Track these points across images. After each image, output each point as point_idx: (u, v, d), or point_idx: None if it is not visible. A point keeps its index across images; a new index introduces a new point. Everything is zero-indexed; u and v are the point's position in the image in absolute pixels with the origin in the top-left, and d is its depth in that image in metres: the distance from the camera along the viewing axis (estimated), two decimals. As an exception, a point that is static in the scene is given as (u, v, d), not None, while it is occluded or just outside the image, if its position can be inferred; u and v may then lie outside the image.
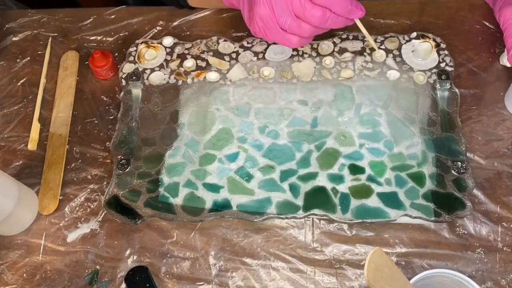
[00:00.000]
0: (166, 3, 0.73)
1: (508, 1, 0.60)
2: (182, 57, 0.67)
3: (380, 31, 0.68)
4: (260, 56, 0.66)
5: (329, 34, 0.67)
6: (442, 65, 0.64)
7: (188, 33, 0.71)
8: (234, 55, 0.67)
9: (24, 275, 0.56)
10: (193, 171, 0.59)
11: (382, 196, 0.56)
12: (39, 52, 0.71)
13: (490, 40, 0.67)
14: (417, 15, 0.69)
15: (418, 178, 0.57)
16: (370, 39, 0.62)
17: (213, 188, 0.58)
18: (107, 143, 0.63)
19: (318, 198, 0.57)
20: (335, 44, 0.66)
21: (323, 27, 0.55)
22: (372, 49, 0.65)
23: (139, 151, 0.61)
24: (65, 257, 0.57)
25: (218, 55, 0.67)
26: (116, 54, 0.70)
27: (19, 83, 0.69)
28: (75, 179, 0.61)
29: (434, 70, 0.63)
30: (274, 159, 0.59)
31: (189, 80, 0.66)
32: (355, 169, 0.58)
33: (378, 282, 0.40)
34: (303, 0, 0.52)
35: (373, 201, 0.56)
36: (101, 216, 0.59)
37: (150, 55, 0.67)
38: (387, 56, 0.65)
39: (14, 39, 0.73)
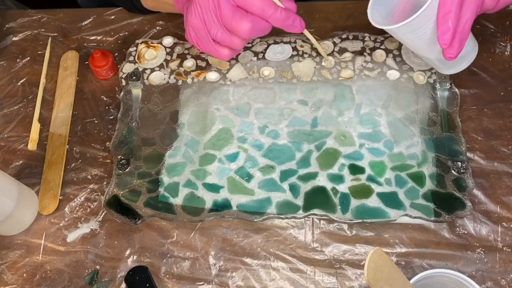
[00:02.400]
0: (118, 4, 0.72)
1: None
2: (182, 57, 0.67)
3: (380, 31, 0.67)
4: (260, 56, 0.66)
5: (329, 34, 0.68)
6: (442, 65, 0.64)
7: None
8: (234, 55, 0.67)
9: (24, 275, 0.56)
10: (193, 171, 0.59)
11: (382, 196, 0.56)
12: (39, 52, 0.71)
13: (490, 40, 0.67)
14: (417, 15, 0.69)
15: (418, 178, 0.57)
16: (318, 46, 0.62)
17: (213, 188, 0.58)
18: (107, 143, 0.63)
19: (318, 198, 0.57)
20: (335, 44, 0.66)
21: (254, 37, 0.54)
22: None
23: (139, 151, 0.61)
24: (65, 257, 0.57)
25: (218, 55, 0.67)
26: (116, 54, 0.70)
27: (19, 83, 0.69)
28: (75, 179, 0.61)
29: (434, 70, 0.63)
30: (274, 159, 0.59)
31: (189, 80, 0.66)
32: (355, 169, 0.58)
33: (378, 282, 0.40)
34: (234, 11, 0.50)
35: (373, 201, 0.56)
36: (101, 216, 0.59)
37: (150, 55, 0.67)
38: (387, 56, 0.65)
39: (14, 39, 0.73)
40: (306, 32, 0.59)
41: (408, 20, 0.49)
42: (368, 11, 0.53)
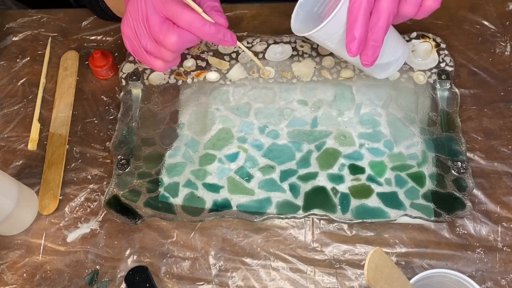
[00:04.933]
0: (94, 13, 0.72)
1: None
2: (182, 57, 0.67)
3: (380, 31, 0.67)
4: (260, 56, 0.66)
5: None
6: (442, 65, 0.64)
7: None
8: (234, 55, 0.67)
9: (24, 275, 0.56)
10: (193, 171, 0.59)
11: (382, 196, 0.56)
12: (39, 52, 0.71)
13: (490, 40, 0.67)
14: (417, 15, 0.69)
15: (418, 178, 0.57)
16: (254, 58, 0.61)
17: (213, 188, 0.58)
18: (107, 143, 0.63)
19: (318, 198, 0.57)
20: (335, 44, 0.66)
21: (183, 49, 0.53)
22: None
23: (139, 151, 0.61)
24: (65, 257, 0.57)
25: (218, 55, 0.67)
26: (116, 54, 0.70)
27: (19, 83, 0.69)
28: (75, 179, 0.61)
29: (434, 70, 0.63)
30: (274, 159, 0.59)
31: (189, 80, 0.66)
32: (355, 169, 0.58)
33: (378, 282, 0.40)
34: (161, 23, 0.50)
35: (373, 201, 0.56)
36: (101, 216, 0.59)
37: (150, 55, 0.67)
38: (387, 56, 0.65)
39: (14, 39, 0.73)
40: (240, 45, 0.57)
41: (317, 28, 0.49)
42: (293, 13, 0.54)
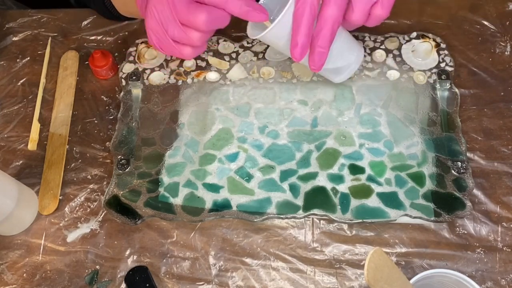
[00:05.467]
0: (97, 12, 0.72)
1: None
2: (182, 57, 0.67)
3: (380, 31, 0.67)
4: (260, 56, 0.66)
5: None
6: (442, 65, 0.64)
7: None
8: (234, 55, 0.67)
9: (24, 275, 0.56)
10: (193, 171, 0.59)
11: (382, 196, 0.56)
12: (39, 52, 0.71)
13: (490, 40, 0.67)
14: (417, 15, 0.69)
15: (418, 178, 0.57)
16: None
17: (213, 188, 0.58)
18: (107, 143, 0.63)
19: (318, 198, 0.57)
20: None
21: (212, 30, 0.52)
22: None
23: (139, 151, 0.61)
24: (65, 257, 0.57)
25: (218, 55, 0.67)
26: (116, 54, 0.70)
27: (19, 83, 0.69)
28: (75, 179, 0.61)
29: (434, 70, 0.63)
30: (274, 159, 0.59)
31: (189, 80, 0.66)
32: (355, 169, 0.58)
33: (378, 282, 0.40)
34: (188, 4, 0.49)
35: (373, 201, 0.56)
36: (101, 216, 0.59)
37: (150, 55, 0.67)
38: (387, 56, 0.65)
39: (14, 39, 0.73)
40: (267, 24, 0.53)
41: (264, 32, 0.50)
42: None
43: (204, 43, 0.54)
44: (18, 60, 0.71)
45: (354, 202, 0.56)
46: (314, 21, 0.49)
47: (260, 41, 0.67)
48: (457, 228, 0.55)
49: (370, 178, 0.57)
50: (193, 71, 0.66)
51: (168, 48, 0.53)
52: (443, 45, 0.65)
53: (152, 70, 0.67)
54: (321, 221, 0.57)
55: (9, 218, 0.55)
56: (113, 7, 0.68)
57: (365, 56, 0.65)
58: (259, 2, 0.55)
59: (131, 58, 0.68)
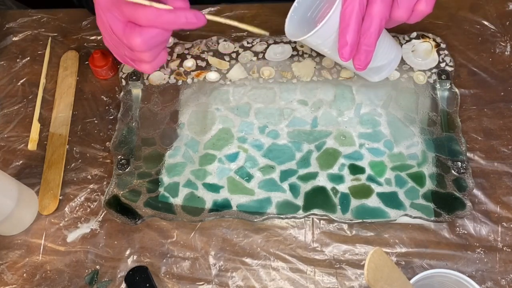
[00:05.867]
0: (90, 10, 0.71)
1: None
2: (182, 57, 0.67)
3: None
4: (260, 56, 0.66)
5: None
6: (442, 65, 0.64)
7: (188, 33, 0.71)
8: (234, 55, 0.67)
9: (24, 275, 0.56)
10: (193, 171, 0.59)
11: (382, 196, 0.56)
12: (39, 52, 0.71)
13: (490, 40, 0.67)
14: (417, 15, 0.69)
15: (418, 178, 0.57)
16: (243, 26, 0.51)
17: (213, 188, 0.58)
18: (107, 143, 0.63)
19: (318, 198, 0.57)
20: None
21: (158, 45, 0.50)
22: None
23: (139, 151, 0.61)
24: (65, 257, 0.57)
25: (218, 55, 0.67)
26: (116, 54, 0.70)
27: (19, 83, 0.69)
28: (75, 179, 0.61)
29: (434, 70, 0.63)
30: (274, 159, 0.59)
31: (189, 80, 0.66)
32: (355, 169, 0.58)
33: (378, 282, 0.40)
34: (124, 28, 0.47)
35: (373, 201, 0.56)
36: (101, 216, 0.59)
37: (150, 55, 0.67)
38: (387, 56, 0.65)
39: (14, 39, 0.73)
40: (211, 18, 0.49)
41: (311, 33, 0.49)
42: (287, 18, 0.53)
43: (159, 56, 0.51)
44: (18, 60, 0.71)
45: (354, 202, 0.56)
46: (362, 19, 0.48)
47: (260, 41, 0.67)
48: (457, 228, 0.55)
49: (370, 178, 0.57)
50: (193, 71, 0.66)
51: (130, 64, 0.52)
52: (443, 45, 0.65)
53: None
54: (321, 221, 0.57)
55: (9, 218, 0.55)
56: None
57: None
58: (289, 15, 0.54)
59: (131, 58, 0.68)
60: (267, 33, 0.51)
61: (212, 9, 0.72)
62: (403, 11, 0.49)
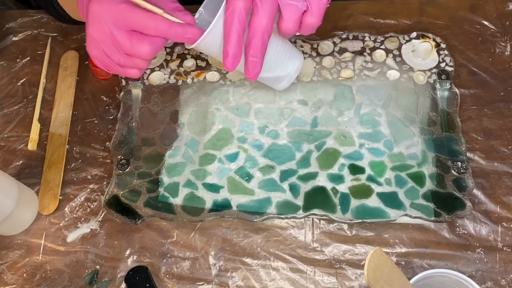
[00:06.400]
0: (48, 13, 0.71)
1: None
2: (182, 57, 0.67)
3: (380, 31, 0.68)
4: (260, 56, 0.66)
5: (329, 34, 0.68)
6: (442, 65, 0.64)
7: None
8: (234, 55, 0.67)
9: (24, 275, 0.56)
10: (193, 171, 0.59)
11: (382, 196, 0.56)
12: (39, 52, 0.71)
13: (490, 40, 0.67)
14: (417, 15, 0.69)
15: (418, 178, 0.57)
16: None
17: (213, 188, 0.58)
18: (107, 143, 0.63)
19: (318, 198, 0.57)
20: (335, 44, 0.66)
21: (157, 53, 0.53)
22: None
23: (139, 151, 0.61)
24: (65, 257, 0.57)
25: (218, 55, 0.67)
26: (116, 54, 0.70)
27: (19, 83, 0.69)
28: (75, 179, 0.61)
29: (434, 70, 0.63)
30: (274, 159, 0.59)
31: (189, 80, 0.66)
32: (355, 169, 0.58)
33: (378, 282, 0.40)
34: (130, 37, 0.49)
35: (373, 201, 0.56)
36: (101, 216, 0.59)
37: (150, 55, 0.67)
38: (387, 56, 0.65)
39: (14, 39, 0.73)
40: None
41: (195, 43, 0.50)
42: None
43: (149, 62, 0.54)
44: (18, 60, 0.71)
45: (354, 202, 0.56)
46: (244, 31, 0.50)
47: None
48: (457, 228, 0.55)
49: (370, 178, 0.57)
50: (193, 71, 0.66)
51: (114, 71, 0.54)
52: (443, 45, 0.65)
53: (152, 70, 0.67)
54: (321, 221, 0.57)
55: (9, 218, 0.55)
56: (64, 12, 0.67)
57: (364, 56, 0.65)
58: (198, 11, 0.55)
59: (131, 58, 0.67)
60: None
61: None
62: (288, 24, 0.50)
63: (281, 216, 0.56)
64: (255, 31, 0.49)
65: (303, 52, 0.66)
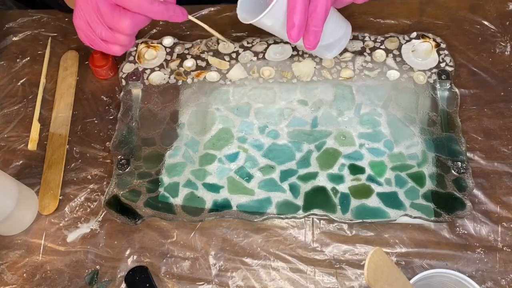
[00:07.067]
0: (51, 5, 0.72)
1: None
2: (182, 57, 0.67)
3: (380, 31, 0.68)
4: (260, 56, 0.66)
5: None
6: (442, 65, 0.64)
7: (188, 33, 0.71)
8: (234, 55, 0.67)
9: (24, 275, 0.56)
10: (193, 171, 0.59)
11: (382, 196, 0.56)
12: (39, 52, 0.71)
13: (490, 40, 0.67)
14: (417, 15, 0.69)
15: (418, 178, 0.57)
16: (213, 31, 0.58)
17: (213, 188, 0.58)
18: (107, 143, 0.63)
19: (318, 198, 0.57)
20: (335, 44, 0.66)
21: (137, 31, 0.54)
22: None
23: (139, 151, 0.61)
24: (65, 257, 0.57)
25: (218, 55, 0.67)
26: (116, 54, 0.70)
27: (19, 83, 0.69)
28: (75, 179, 0.61)
29: (434, 70, 0.63)
30: (274, 159, 0.59)
31: (189, 80, 0.66)
32: (355, 169, 0.58)
33: (378, 282, 0.40)
34: (112, 10, 0.51)
35: (373, 201, 0.56)
36: (101, 216, 0.59)
37: (150, 55, 0.67)
38: (387, 56, 0.65)
39: (14, 39, 0.73)
40: (191, 18, 0.56)
41: (260, 16, 0.51)
42: (238, 3, 0.54)
43: (132, 40, 0.55)
44: (18, 60, 0.71)
45: (354, 202, 0.56)
46: (308, 1, 0.50)
47: (260, 41, 0.67)
48: (457, 228, 0.55)
49: (370, 178, 0.57)
50: (193, 71, 0.66)
51: (97, 46, 0.55)
52: (443, 45, 0.65)
53: (152, 70, 0.67)
54: (321, 221, 0.57)
55: (9, 218, 0.55)
56: (63, 2, 0.67)
57: (364, 56, 0.65)
58: None
59: (131, 58, 0.68)
60: (226, 40, 0.62)
61: (212, 9, 0.72)
62: None
63: (281, 216, 0.56)
64: (319, 0, 0.49)
65: (303, 52, 0.66)
